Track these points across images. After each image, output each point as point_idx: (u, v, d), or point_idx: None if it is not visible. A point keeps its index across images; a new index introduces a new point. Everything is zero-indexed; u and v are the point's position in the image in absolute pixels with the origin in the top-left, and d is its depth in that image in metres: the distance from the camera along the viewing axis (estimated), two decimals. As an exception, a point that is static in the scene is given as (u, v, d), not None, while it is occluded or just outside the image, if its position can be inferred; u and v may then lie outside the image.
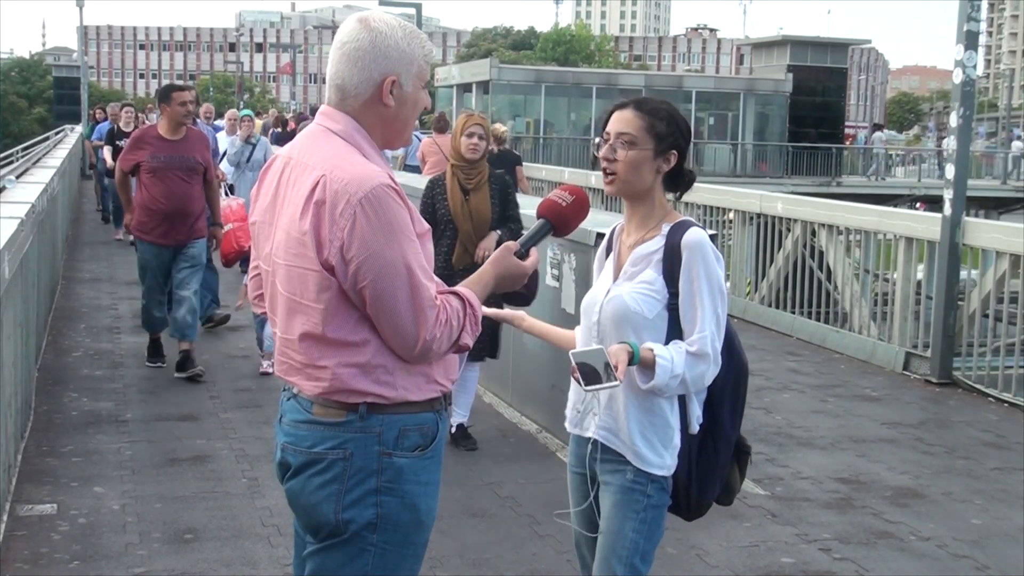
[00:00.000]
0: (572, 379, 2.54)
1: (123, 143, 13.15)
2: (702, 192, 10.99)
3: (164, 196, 6.90)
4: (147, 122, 14.66)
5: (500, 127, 14.40)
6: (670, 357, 2.57)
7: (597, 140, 2.73)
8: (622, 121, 2.68)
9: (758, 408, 6.70)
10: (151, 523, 4.53)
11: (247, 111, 9.89)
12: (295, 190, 2.28)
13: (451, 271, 5.36)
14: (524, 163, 13.48)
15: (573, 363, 2.51)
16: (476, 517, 4.69)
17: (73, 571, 4.07)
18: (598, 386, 2.50)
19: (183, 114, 6.98)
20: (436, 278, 2.31)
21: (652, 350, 2.57)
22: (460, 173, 5.59)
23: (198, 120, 9.61)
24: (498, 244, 4.38)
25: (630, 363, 2.55)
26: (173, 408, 6.34)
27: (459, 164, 5.61)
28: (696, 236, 2.62)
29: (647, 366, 2.57)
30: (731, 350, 2.70)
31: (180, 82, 8.06)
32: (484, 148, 5.61)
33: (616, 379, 2.48)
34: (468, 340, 2.32)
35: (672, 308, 2.63)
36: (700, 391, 2.68)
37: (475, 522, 4.62)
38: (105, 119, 17.02)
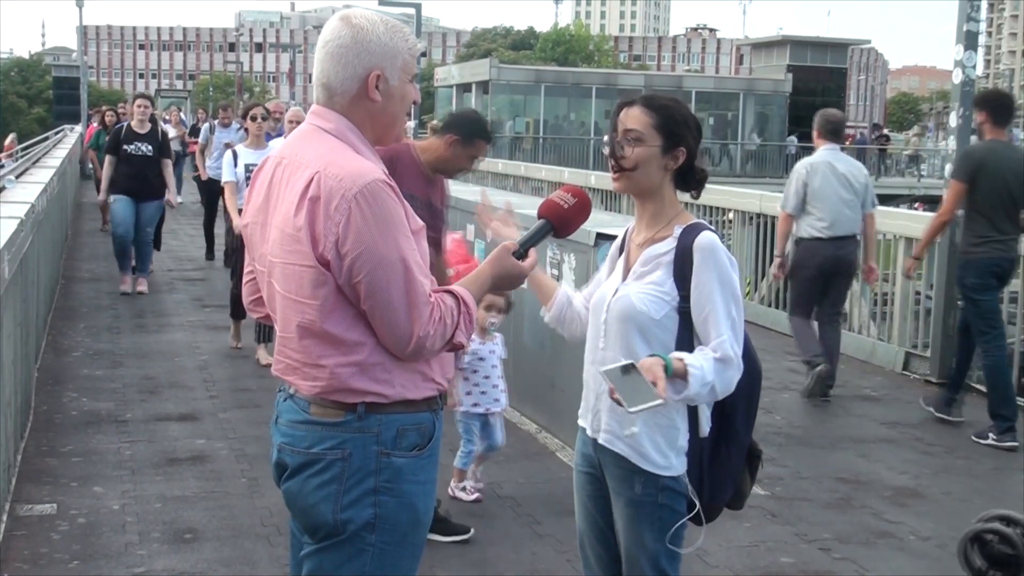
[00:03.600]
0: (611, 400, 2.44)
1: (133, 148, 9.83)
2: (702, 192, 10.97)
3: None
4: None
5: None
6: (700, 365, 2.49)
7: (606, 138, 2.71)
8: (630, 118, 2.65)
9: (758, 408, 6.68)
10: (151, 523, 4.53)
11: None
12: (288, 188, 2.28)
13: None
14: (524, 163, 13.51)
15: (609, 383, 2.42)
16: (476, 517, 4.69)
17: (73, 571, 4.07)
18: (642, 406, 2.38)
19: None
20: (431, 275, 2.30)
21: (683, 360, 2.48)
22: None
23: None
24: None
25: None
26: (173, 408, 6.34)
27: None
28: (709, 240, 2.59)
29: (679, 376, 2.48)
30: (745, 354, 2.65)
31: None
32: None
33: (659, 397, 2.36)
34: (462, 339, 2.31)
35: (683, 311, 2.59)
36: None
37: (475, 522, 4.62)
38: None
